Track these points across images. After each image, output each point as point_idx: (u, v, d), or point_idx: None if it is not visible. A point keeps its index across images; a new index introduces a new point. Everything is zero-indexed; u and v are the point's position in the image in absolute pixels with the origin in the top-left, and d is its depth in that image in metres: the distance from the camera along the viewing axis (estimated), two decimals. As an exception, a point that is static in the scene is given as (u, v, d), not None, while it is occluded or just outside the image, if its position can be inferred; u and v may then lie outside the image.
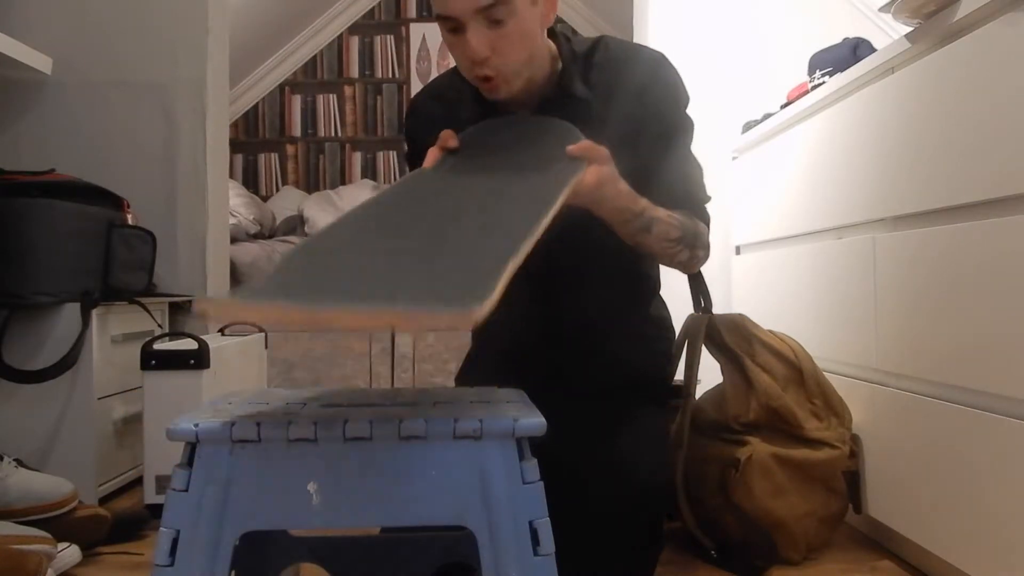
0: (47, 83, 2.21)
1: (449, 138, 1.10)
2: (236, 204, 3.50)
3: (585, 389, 1.25)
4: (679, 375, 1.49)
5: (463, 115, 1.20)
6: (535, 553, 0.74)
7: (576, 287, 1.29)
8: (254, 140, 4.49)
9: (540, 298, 1.29)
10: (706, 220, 1.27)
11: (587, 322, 1.29)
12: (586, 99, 1.19)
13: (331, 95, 4.49)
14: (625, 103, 1.20)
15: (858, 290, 1.49)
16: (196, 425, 0.73)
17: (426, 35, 4.45)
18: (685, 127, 1.25)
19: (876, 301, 1.43)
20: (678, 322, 1.48)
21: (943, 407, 1.24)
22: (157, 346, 1.71)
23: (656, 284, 1.39)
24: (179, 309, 2.27)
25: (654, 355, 1.35)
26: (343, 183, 4.44)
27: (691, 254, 1.21)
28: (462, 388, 1.01)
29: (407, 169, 1.31)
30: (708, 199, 1.28)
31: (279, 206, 4.08)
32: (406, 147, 1.35)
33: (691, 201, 1.24)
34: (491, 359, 1.35)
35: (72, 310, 1.76)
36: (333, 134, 4.49)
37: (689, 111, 1.27)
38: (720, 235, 1.88)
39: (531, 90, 1.17)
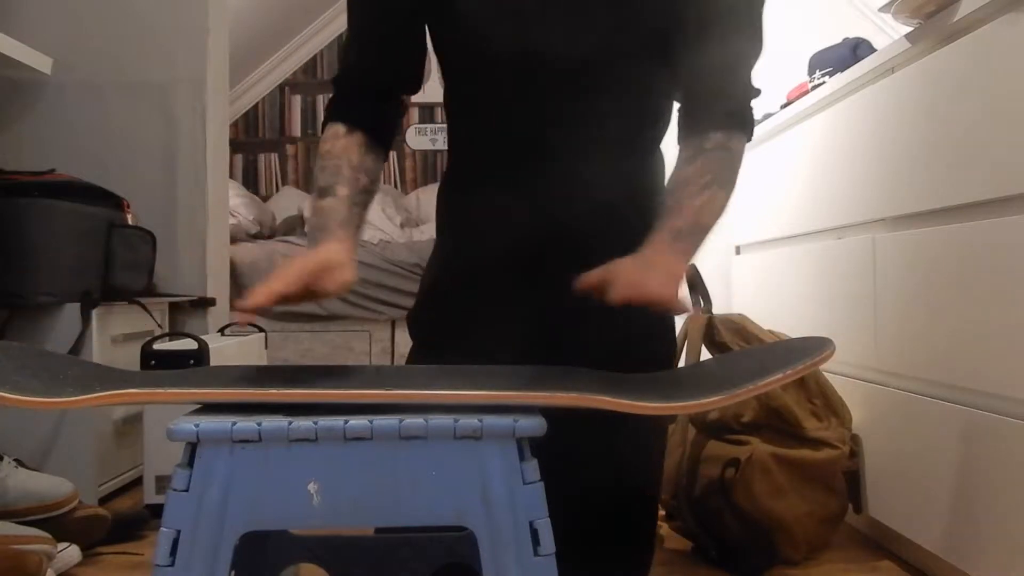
0: (47, 83, 2.21)
1: None
2: (236, 204, 3.49)
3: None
4: (679, 375, 1.49)
5: None
6: (535, 553, 0.74)
7: (582, 264, 1.23)
8: (254, 140, 4.48)
9: (541, 298, 1.26)
10: (748, 123, 1.07)
11: (590, 307, 1.24)
12: None
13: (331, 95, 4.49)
14: None
15: (858, 290, 1.49)
16: (196, 425, 0.73)
17: (426, 35, 4.44)
18: None
19: (876, 301, 1.43)
20: (678, 322, 1.47)
21: (943, 407, 1.24)
22: (157, 346, 1.71)
23: None
24: (179, 309, 2.27)
25: (656, 354, 1.35)
26: (343, 183, 4.43)
27: (728, 200, 1.09)
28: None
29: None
30: (756, 92, 1.05)
31: (279, 206, 4.07)
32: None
33: (726, 96, 1.04)
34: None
35: (72, 310, 1.76)
36: (333, 134, 4.48)
37: None
38: (720, 235, 1.87)
39: None
